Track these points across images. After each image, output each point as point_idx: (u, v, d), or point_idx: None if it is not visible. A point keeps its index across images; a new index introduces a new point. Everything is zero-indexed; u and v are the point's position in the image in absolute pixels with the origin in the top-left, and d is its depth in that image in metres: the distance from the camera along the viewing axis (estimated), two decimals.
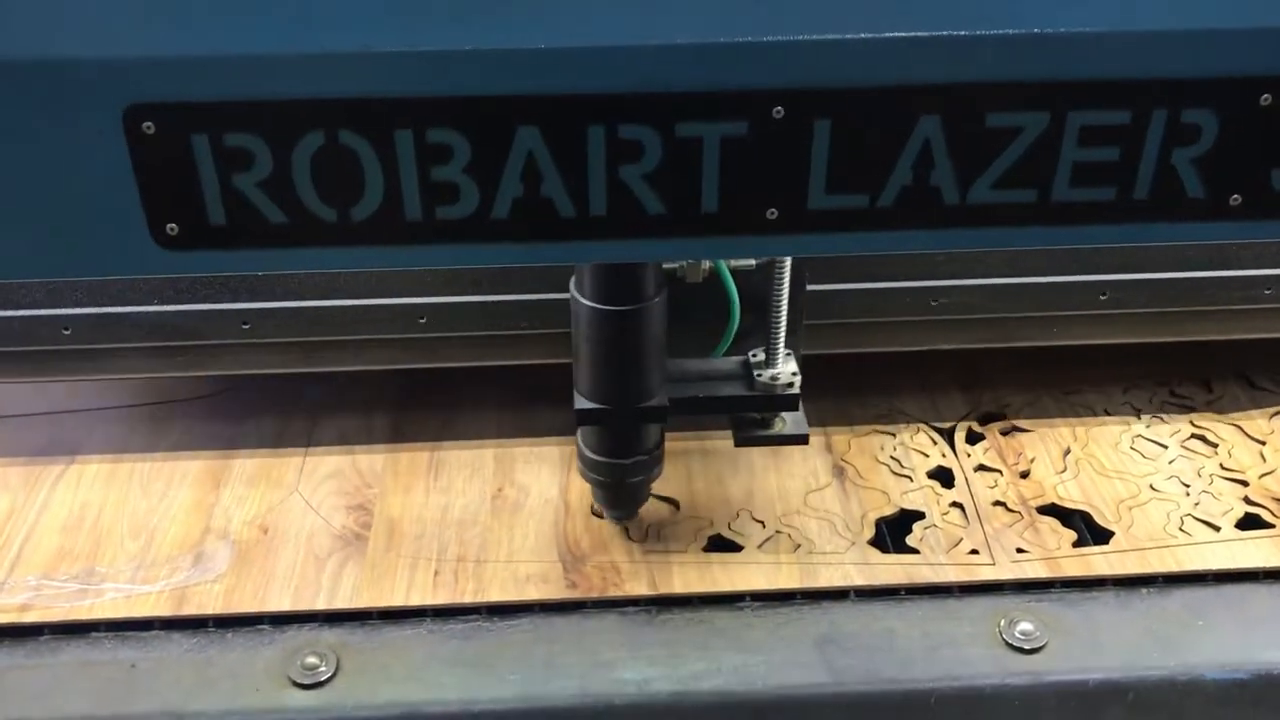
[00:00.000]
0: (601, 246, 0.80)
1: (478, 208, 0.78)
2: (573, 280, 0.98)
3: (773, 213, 0.80)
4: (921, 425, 1.31)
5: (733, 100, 0.75)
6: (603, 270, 0.96)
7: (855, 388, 1.33)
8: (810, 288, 1.14)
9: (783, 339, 1.05)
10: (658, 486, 1.21)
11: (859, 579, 1.11)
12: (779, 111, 0.76)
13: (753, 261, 1.04)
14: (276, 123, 0.74)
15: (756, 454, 1.25)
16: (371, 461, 1.26)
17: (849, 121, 0.76)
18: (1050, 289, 1.18)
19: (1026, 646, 1.04)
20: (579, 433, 1.08)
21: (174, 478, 1.24)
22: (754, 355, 1.07)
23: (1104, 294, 1.19)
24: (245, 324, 1.15)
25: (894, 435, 1.29)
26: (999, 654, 1.05)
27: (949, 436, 1.29)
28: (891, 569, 1.12)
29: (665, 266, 1.01)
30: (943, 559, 1.13)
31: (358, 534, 1.16)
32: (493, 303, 1.14)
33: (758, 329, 1.08)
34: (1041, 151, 0.78)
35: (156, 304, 1.14)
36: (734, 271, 1.05)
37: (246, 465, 1.25)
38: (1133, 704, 1.04)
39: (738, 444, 1.10)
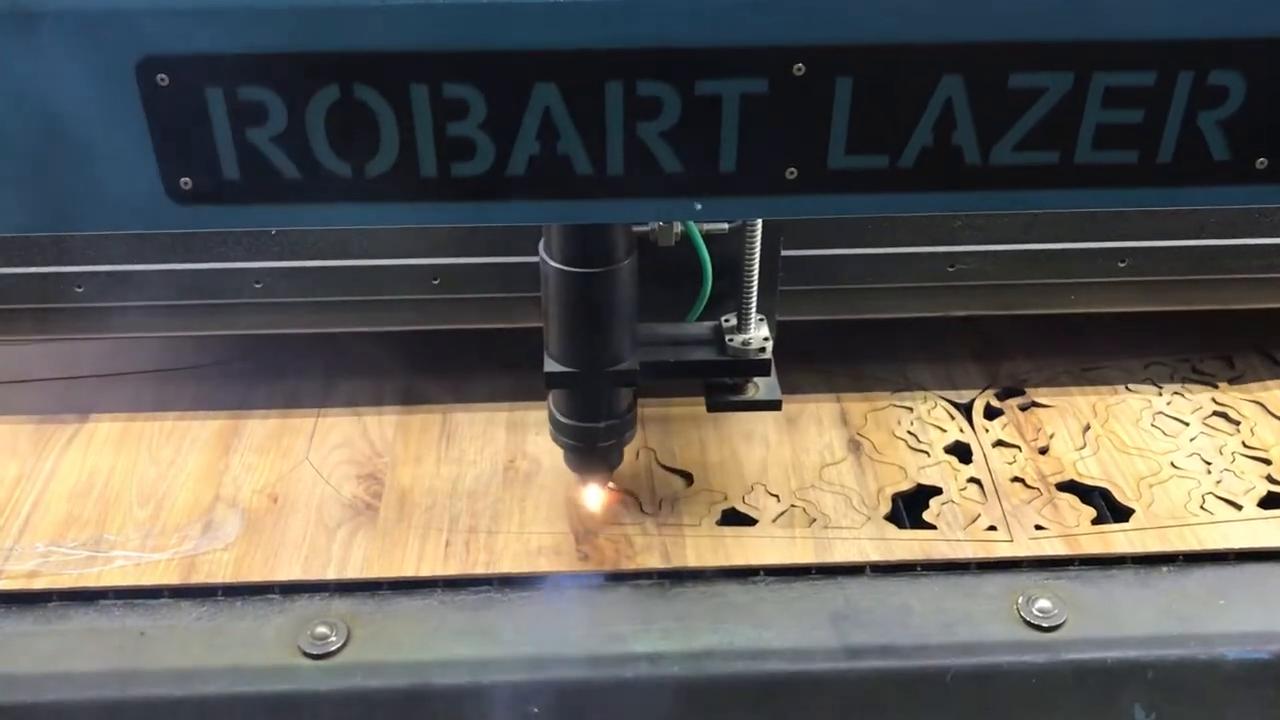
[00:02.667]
0: (618, 205, 0.80)
1: (493, 165, 0.77)
2: (541, 242, 0.97)
3: (792, 172, 0.79)
4: (939, 399, 1.30)
5: (753, 57, 0.75)
6: (571, 232, 0.95)
7: (872, 360, 1.33)
8: (821, 252, 1.14)
9: (755, 303, 1.05)
10: (672, 457, 1.21)
11: (875, 554, 1.10)
12: (800, 69, 0.75)
13: (725, 225, 1.04)
14: (291, 76, 0.74)
15: (771, 426, 1.25)
16: (382, 429, 1.26)
17: (870, 80, 0.76)
18: (1068, 255, 1.18)
19: (1044, 624, 1.04)
20: (550, 396, 1.07)
21: (183, 444, 1.24)
22: (726, 320, 1.07)
23: (1123, 261, 1.18)
24: (258, 283, 1.15)
25: (911, 409, 1.29)
26: (1016, 631, 1.04)
27: (967, 411, 1.29)
28: (908, 545, 1.12)
29: (637, 230, 1.01)
30: (960, 535, 1.13)
31: (368, 504, 1.16)
32: (507, 265, 1.14)
33: (734, 294, 1.08)
34: (1065, 113, 0.77)
35: (170, 262, 1.14)
36: (707, 236, 1.05)
37: (256, 432, 1.26)
38: (1152, 682, 1.04)
39: (710, 409, 1.10)
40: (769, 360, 1.05)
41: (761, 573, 1.09)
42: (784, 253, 1.14)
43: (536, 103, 0.75)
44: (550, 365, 1.02)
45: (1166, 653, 1.04)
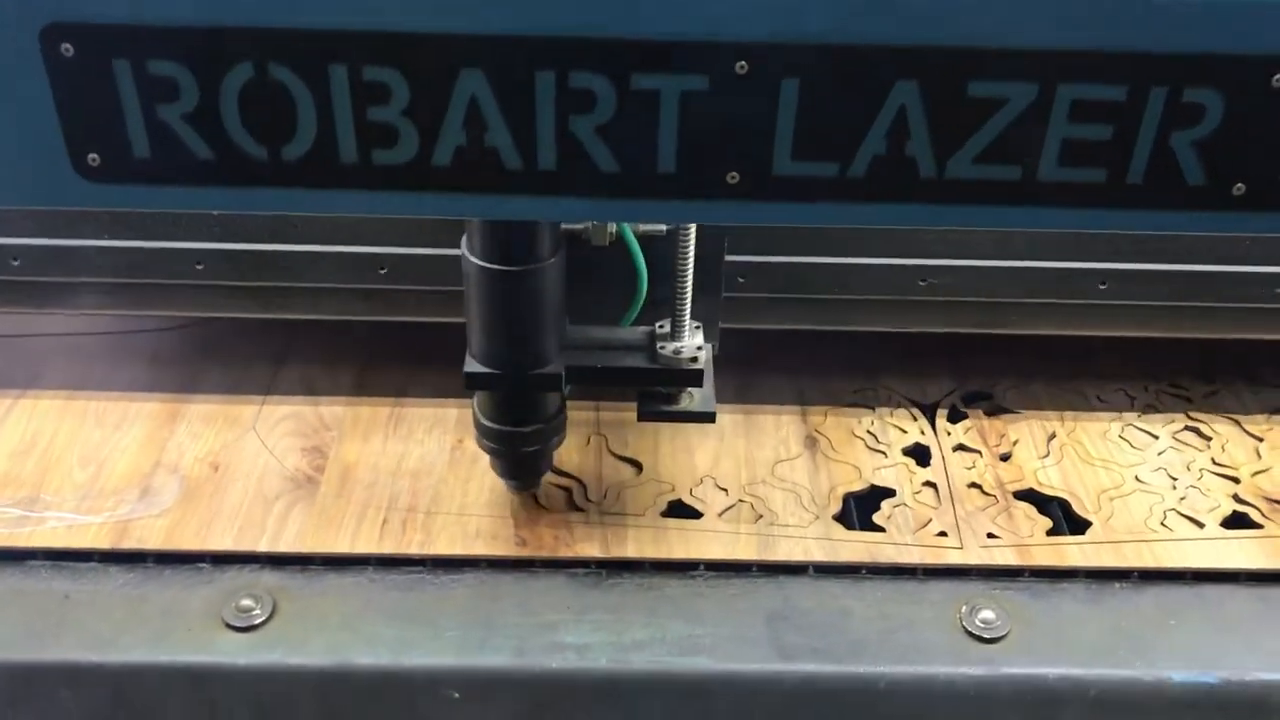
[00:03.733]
0: (549, 203, 0.75)
1: (418, 154, 0.73)
2: (464, 237, 0.92)
3: (734, 177, 0.75)
4: (903, 401, 1.26)
5: (694, 52, 0.70)
6: (493, 227, 0.90)
7: (836, 360, 1.28)
8: (787, 259, 1.09)
9: (688, 310, 0.99)
10: (624, 445, 1.17)
11: (819, 554, 1.07)
12: (743, 67, 0.70)
13: (663, 227, 0.99)
14: (203, 51, 0.69)
15: (727, 421, 1.21)
16: (333, 408, 1.22)
17: (819, 82, 0.71)
18: (1047, 274, 1.12)
19: (986, 635, 1.00)
20: (474, 398, 1.03)
21: (129, 412, 1.20)
22: (660, 327, 1.01)
23: (1104, 283, 1.13)
24: (199, 264, 1.11)
25: (873, 410, 1.24)
26: (957, 641, 1.01)
27: (930, 414, 1.24)
28: (854, 546, 1.08)
29: (570, 227, 0.95)
30: (909, 539, 1.09)
31: (309, 477, 1.13)
32: (456, 257, 1.09)
33: (667, 301, 1.02)
34: (1028, 126, 0.73)
35: (107, 238, 1.09)
36: (644, 237, 0.99)
37: (206, 403, 1.22)
38: (1094, 702, 1.00)
39: (640, 418, 1.05)
40: (701, 371, 1.00)
41: (701, 567, 1.06)
42: (745, 258, 1.10)
43: (462, 91, 0.71)
44: (471, 365, 0.97)
45: (1111, 672, 1.00)
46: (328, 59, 0.70)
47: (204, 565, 1.04)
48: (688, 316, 0.99)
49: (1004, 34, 0.70)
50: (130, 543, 1.05)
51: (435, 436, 1.18)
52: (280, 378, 1.26)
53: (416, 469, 1.14)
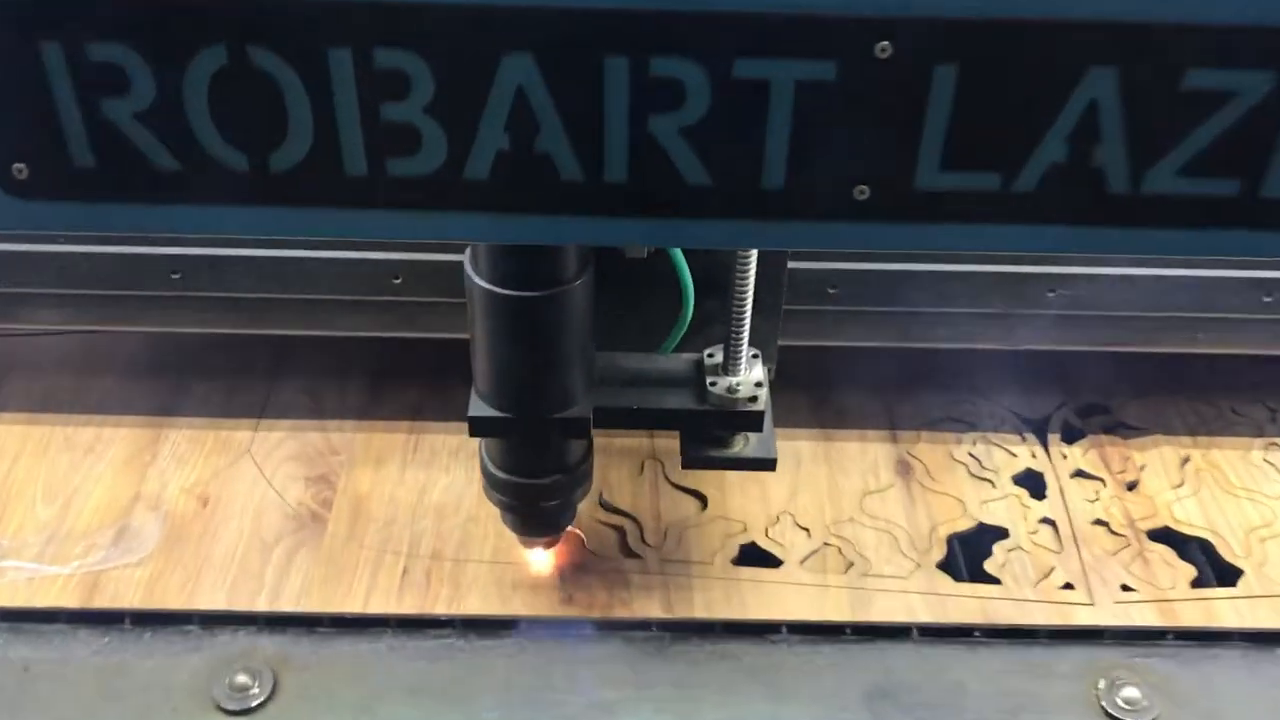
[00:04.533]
0: (618, 226, 0.58)
1: (445, 163, 0.56)
2: (467, 251, 0.74)
3: (863, 192, 0.57)
4: (1008, 417, 1.09)
5: (819, 30, 0.53)
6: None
7: (927, 368, 1.11)
8: (875, 267, 0.91)
9: (746, 337, 0.81)
10: (684, 476, 1.01)
11: (924, 613, 0.91)
12: (884, 49, 0.53)
13: None
14: (159, 30, 0.52)
15: (805, 445, 1.04)
16: (341, 429, 1.05)
17: (984, 68, 0.54)
18: (1202, 284, 0.94)
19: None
20: (481, 442, 0.86)
21: (103, 434, 1.04)
22: (710, 355, 0.83)
23: (1270, 295, 0.95)
24: (175, 273, 0.94)
25: (973, 427, 1.07)
26: None
27: (1041, 433, 1.07)
28: (965, 603, 0.92)
29: None
30: (1029, 593, 0.93)
31: (315, 514, 0.97)
32: None
33: (718, 319, 0.84)
34: (1257, 126, 0.55)
35: (64, 243, 0.92)
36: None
37: (193, 422, 1.06)
38: None
39: (685, 465, 0.87)
40: (761, 414, 0.82)
41: (784, 629, 0.90)
42: (840, 265, 0.93)
43: (506, 80, 0.54)
44: (478, 407, 0.79)
45: None
46: (326, 39, 0.52)
47: (191, 628, 0.89)
48: (745, 345, 0.81)
49: (1236, 6, 0.52)
50: (103, 600, 0.89)
51: (461, 463, 1.02)
52: (278, 391, 1.09)
53: (441, 504, 0.98)
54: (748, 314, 0.78)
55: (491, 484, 0.85)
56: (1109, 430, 1.08)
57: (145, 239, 0.92)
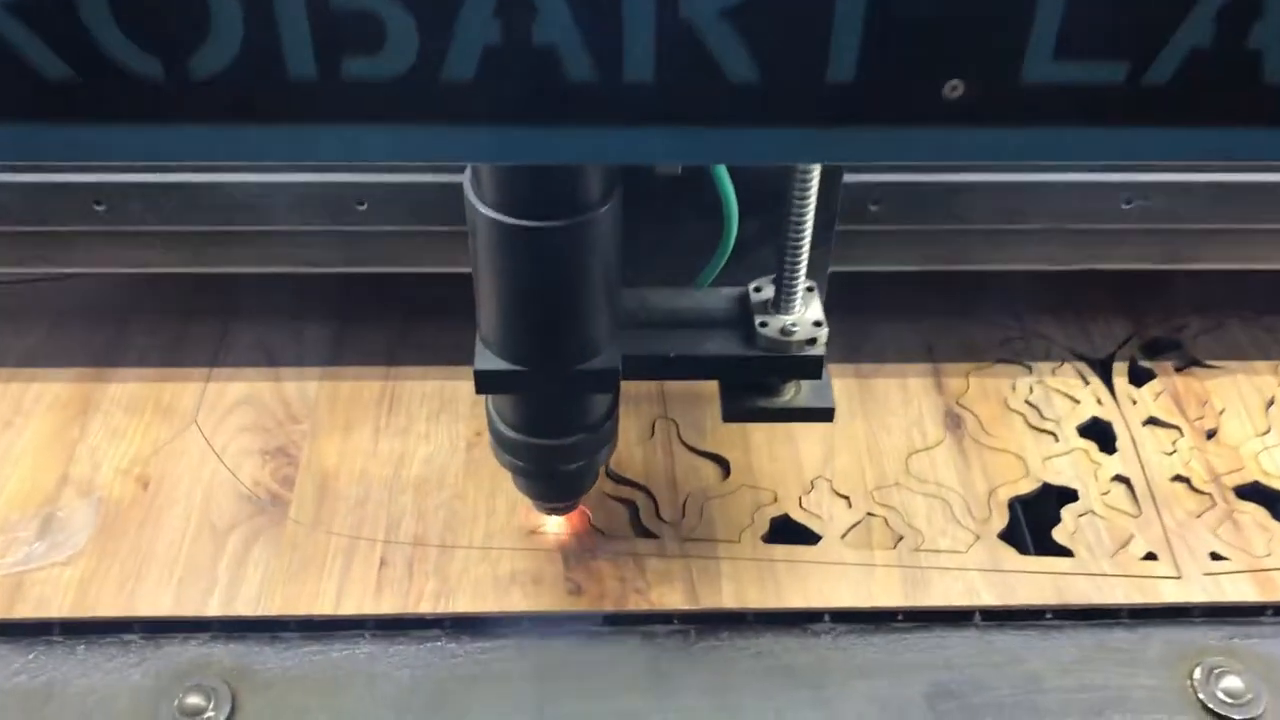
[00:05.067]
0: (643, 139, 0.47)
1: (418, 61, 0.44)
2: (467, 172, 0.62)
3: (955, 88, 0.46)
4: (1066, 355, 0.98)
5: None
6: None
7: (974, 301, 1.00)
8: (925, 179, 0.80)
9: (803, 268, 0.70)
10: (701, 434, 0.90)
11: (987, 594, 0.80)
12: None
13: None
14: None
15: (838, 392, 0.93)
16: (302, 388, 0.94)
17: None
18: None
19: (1236, 716, 0.74)
20: (489, 397, 0.75)
21: (24, 399, 0.92)
22: (756, 289, 0.73)
23: None
24: (98, 204, 0.82)
25: (1029, 370, 0.97)
26: None
27: (1105, 373, 0.97)
28: (1034, 580, 0.81)
29: None
30: (1106, 566, 0.82)
31: (275, 495, 0.86)
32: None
33: (763, 243, 0.73)
34: None
35: None
36: None
37: (128, 384, 0.94)
38: None
39: (726, 418, 0.76)
40: (820, 359, 0.71)
41: (826, 618, 0.80)
42: (881, 177, 0.81)
43: None
44: (485, 359, 0.68)
45: None
46: None
47: (132, 639, 0.78)
48: (801, 276, 0.70)
49: None
50: (26, 608, 0.78)
51: (443, 427, 0.90)
52: (227, 344, 0.97)
53: (422, 477, 0.87)
54: (806, 241, 0.67)
55: (501, 445, 0.74)
56: (1182, 369, 0.98)
57: (58, 165, 0.79)
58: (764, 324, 0.70)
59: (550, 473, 0.76)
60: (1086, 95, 0.47)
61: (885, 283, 0.92)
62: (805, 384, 0.75)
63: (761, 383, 0.74)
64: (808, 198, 0.65)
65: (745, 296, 0.72)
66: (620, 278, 0.67)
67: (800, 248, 0.67)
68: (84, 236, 0.83)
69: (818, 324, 0.71)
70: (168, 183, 0.81)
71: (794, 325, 0.70)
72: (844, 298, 0.81)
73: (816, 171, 0.65)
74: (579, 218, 0.60)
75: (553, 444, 0.73)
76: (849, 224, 0.82)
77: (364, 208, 0.82)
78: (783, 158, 0.48)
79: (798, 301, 0.71)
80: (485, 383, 0.68)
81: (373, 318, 0.99)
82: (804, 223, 0.66)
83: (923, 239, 0.85)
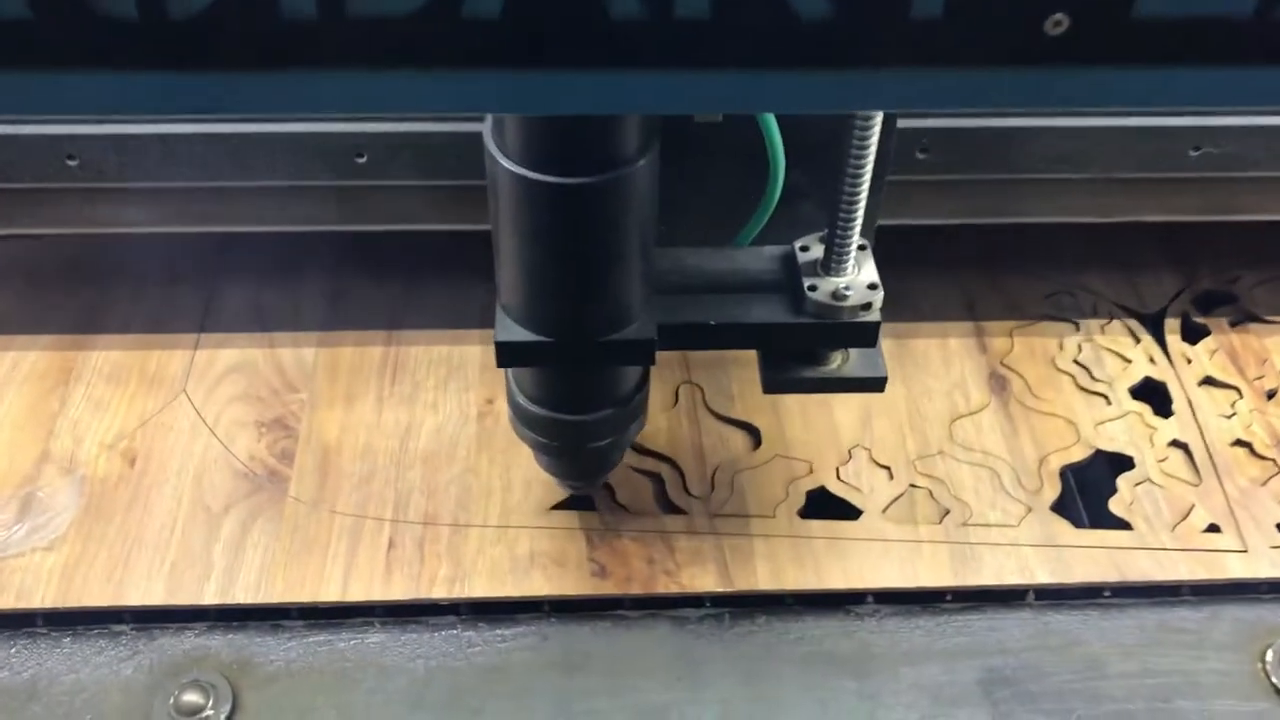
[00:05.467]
0: (695, 84, 0.40)
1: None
2: (488, 122, 0.56)
3: (1059, 23, 0.39)
4: (1115, 311, 0.92)
5: None
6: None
7: (1017, 253, 0.94)
8: (979, 124, 0.74)
9: (858, 225, 0.64)
10: (728, 400, 0.84)
11: (1041, 572, 0.75)
12: None
13: None
14: None
15: None
16: (298, 353, 0.88)
17: None
18: None
19: None
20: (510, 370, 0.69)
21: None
22: (803, 248, 0.67)
23: None
24: (71, 159, 0.75)
25: (1076, 327, 0.91)
26: (1267, 708, 0.70)
27: (1156, 328, 0.91)
28: (1090, 556, 0.76)
29: None
30: (1166, 540, 0.77)
31: (273, 471, 0.80)
32: (474, 134, 0.73)
33: (808, 198, 0.68)
34: None
35: None
36: None
37: (112, 350, 0.87)
38: None
39: (767, 389, 0.71)
40: (877, 325, 0.66)
41: (870, 599, 0.74)
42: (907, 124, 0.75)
43: None
44: (507, 329, 0.62)
45: None
46: None
47: (122, 630, 0.72)
48: (856, 235, 0.64)
49: None
50: (7, 598, 0.72)
51: (452, 395, 0.84)
52: (218, 304, 0.91)
53: (431, 450, 0.81)
54: (863, 195, 0.61)
55: (523, 420, 0.68)
56: (1237, 324, 0.92)
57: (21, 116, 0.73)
58: (813, 287, 0.64)
59: (575, 450, 0.70)
60: (1208, 30, 0.40)
61: (923, 233, 0.86)
62: (854, 351, 0.69)
63: (806, 350, 0.69)
64: (868, 146, 0.59)
65: (791, 256, 0.66)
66: (655, 238, 0.61)
67: (856, 202, 0.61)
68: (56, 194, 0.76)
69: (873, 286, 0.65)
70: (147, 134, 0.74)
71: (847, 288, 0.64)
72: (876, 249, 0.76)
73: (879, 117, 0.59)
74: (614, 173, 0.54)
75: (579, 419, 0.67)
76: (894, 173, 0.76)
77: (364, 160, 0.76)
78: (859, 105, 0.42)
79: (850, 262, 0.65)
80: (508, 355, 0.62)
81: (373, 278, 0.92)
82: (861, 174, 0.60)
83: (972, 189, 0.79)
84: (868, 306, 0.64)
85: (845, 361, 0.69)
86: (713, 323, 0.64)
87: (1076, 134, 0.77)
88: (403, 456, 0.81)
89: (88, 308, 0.90)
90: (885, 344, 0.87)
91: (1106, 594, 0.75)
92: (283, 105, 0.40)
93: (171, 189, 0.77)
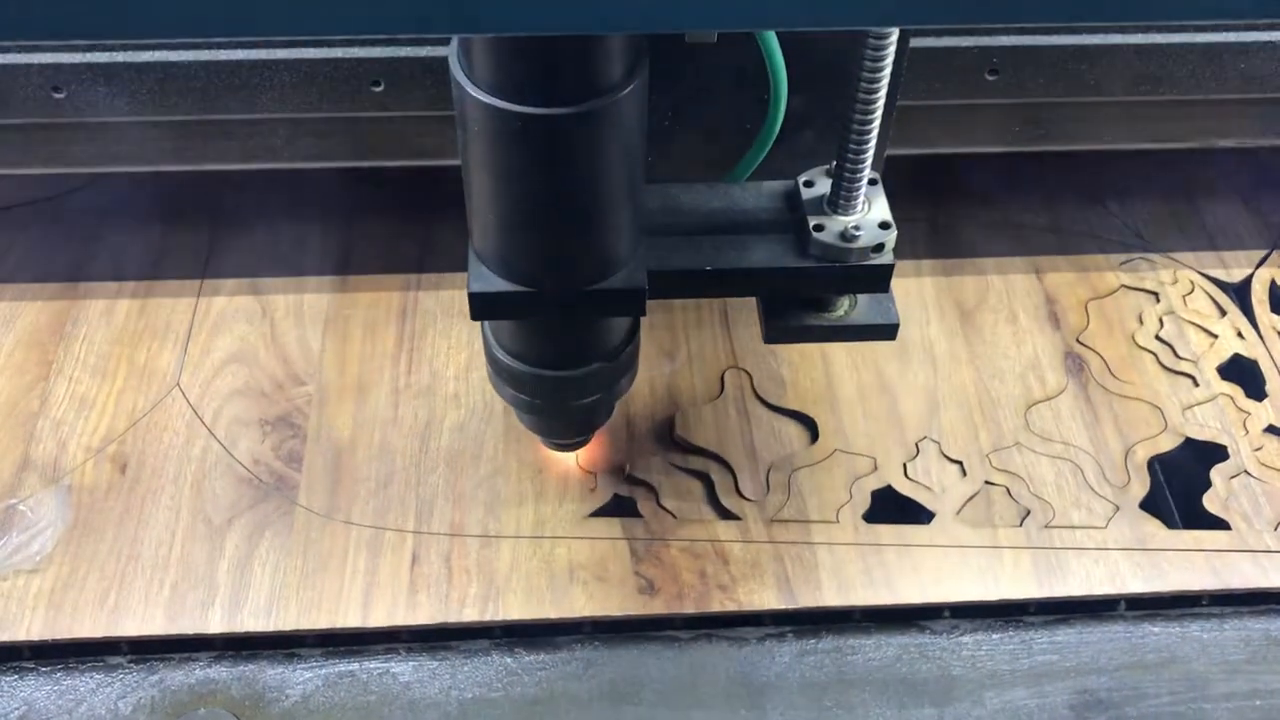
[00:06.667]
0: None
1: None
2: (453, 44, 0.50)
3: None
4: (1195, 276, 0.85)
5: None
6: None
7: (1085, 219, 0.87)
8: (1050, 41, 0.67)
9: (869, 157, 0.57)
10: (779, 385, 0.77)
11: (1133, 580, 0.69)
12: None
13: None
14: None
15: (937, 327, 0.81)
16: (303, 336, 0.80)
17: None
18: None
19: None
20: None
21: None
22: (807, 184, 0.60)
23: None
24: (57, 90, 0.67)
25: (1155, 298, 0.84)
26: None
27: (1242, 299, 0.84)
28: (1185, 560, 0.70)
29: None
30: (1269, 541, 0.71)
31: (280, 476, 0.73)
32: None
33: (812, 126, 0.61)
34: None
35: None
36: None
37: (95, 334, 0.80)
38: None
39: (768, 339, 0.64)
40: (889, 268, 0.59)
41: (946, 614, 0.68)
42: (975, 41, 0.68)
43: None
44: (481, 278, 0.56)
45: None
46: None
47: (119, 663, 0.65)
48: (866, 168, 0.57)
49: None
50: None
51: (476, 384, 0.77)
52: (213, 277, 0.83)
53: (455, 450, 0.74)
54: (875, 123, 0.54)
55: (504, 376, 0.62)
56: None
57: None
58: (819, 227, 0.58)
59: (560, 408, 0.64)
60: None
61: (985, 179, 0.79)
62: (862, 295, 0.63)
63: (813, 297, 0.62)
64: (881, 67, 0.52)
65: (794, 193, 0.60)
66: (643, 174, 0.54)
67: (868, 132, 0.55)
68: (38, 131, 0.68)
69: (884, 225, 0.58)
70: (138, 62, 0.66)
71: (857, 228, 0.57)
72: (937, 202, 0.69)
73: (895, 35, 0.52)
74: (597, 101, 0.48)
75: (563, 375, 0.61)
76: (959, 98, 0.69)
77: (380, 89, 0.68)
78: (876, 21, 0.34)
79: (860, 198, 0.58)
80: (483, 307, 0.56)
81: (387, 235, 0.85)
82: (874, 100, 0.54)
83: (1043, 114, 0.72)
84: (880, 248, 0.58)
85: (853, 307, 0.63)
86: (708, 269, 0.58)
87: (1162, 51, 0.69)
88: (423, 458, 0.74)
89: (61, 272, 0.82)
90: (948, 319, 0.81)
91: (1205, 602, 0.69)
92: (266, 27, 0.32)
93: (167, 123, 0.69)
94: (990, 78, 0.70)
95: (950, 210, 0.86)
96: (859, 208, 0.58)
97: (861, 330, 0.63)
